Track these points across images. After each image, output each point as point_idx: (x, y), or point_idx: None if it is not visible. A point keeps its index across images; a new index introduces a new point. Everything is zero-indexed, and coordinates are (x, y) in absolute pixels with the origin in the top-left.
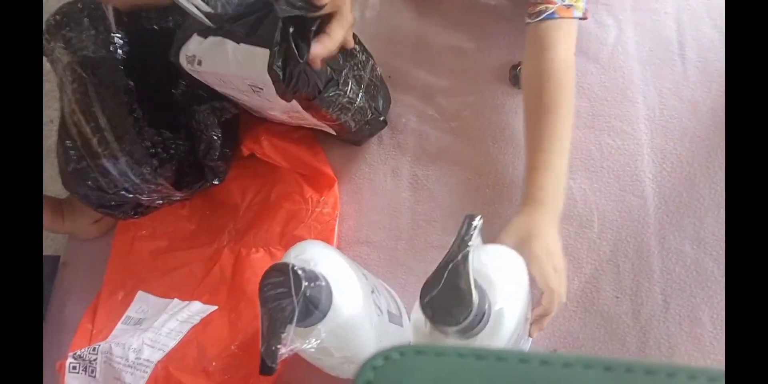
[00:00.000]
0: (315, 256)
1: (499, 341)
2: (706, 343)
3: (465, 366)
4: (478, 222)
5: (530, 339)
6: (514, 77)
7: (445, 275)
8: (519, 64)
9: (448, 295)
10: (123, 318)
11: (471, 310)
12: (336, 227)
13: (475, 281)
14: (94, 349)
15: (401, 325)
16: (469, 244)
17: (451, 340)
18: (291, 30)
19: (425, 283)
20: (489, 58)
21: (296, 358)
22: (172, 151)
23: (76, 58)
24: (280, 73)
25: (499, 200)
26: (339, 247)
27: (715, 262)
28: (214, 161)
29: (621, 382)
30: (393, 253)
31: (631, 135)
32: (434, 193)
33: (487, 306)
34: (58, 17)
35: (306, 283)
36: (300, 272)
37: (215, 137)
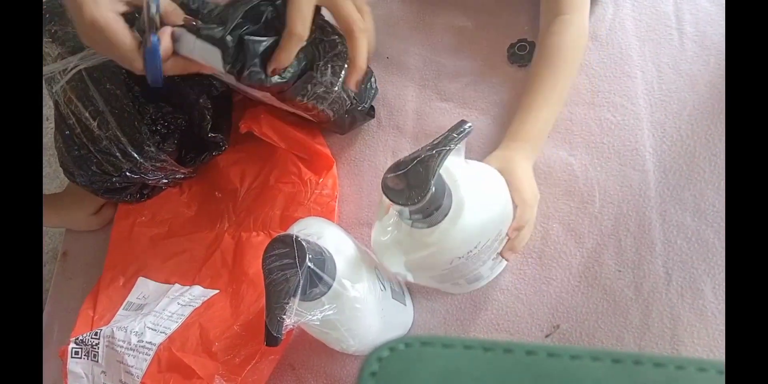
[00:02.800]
0: (318, 231)
1: (460, 235)
2: (708, 314)
3: (471, 357)
4: (468, 128)
5: (504, 262)
6: (512, 55)
7: (414, 162)
8: (518, 42)
9: (410, 178)
10: (124, 304)
11: (426, 191)
12: (336, 208)
13: (441, 176)
14: (96, 334)
15: (404, 304)
16: (449, 145)
17: (408, 229)
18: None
19: (394, 163)
20: (488, 37)
21: (299, 340)
22: (172, 126)
23: (66, 48)
24: (235, 73)
25: None
26: None
27: (716, 233)
28: (209, 134)
29: (629, 374)
30: None
31: (631, 110)
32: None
33: (446, 197)
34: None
35: (310, 255)
36: (304, 243)
37: (206, 110)
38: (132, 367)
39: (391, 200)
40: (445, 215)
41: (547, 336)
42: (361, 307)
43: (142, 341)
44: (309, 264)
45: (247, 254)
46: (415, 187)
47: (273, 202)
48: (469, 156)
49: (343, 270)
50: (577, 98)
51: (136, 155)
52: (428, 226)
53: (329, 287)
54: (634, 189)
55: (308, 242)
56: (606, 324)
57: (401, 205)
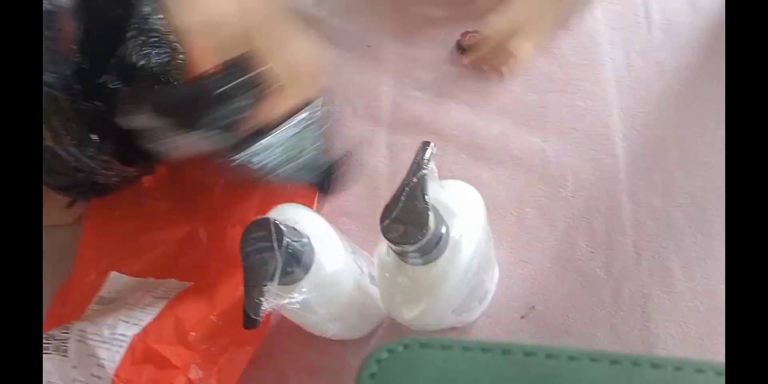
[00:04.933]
0: (295, 216)
1: (459, 266)
2: (677, 291)
3: (470, 359)
4: (432, 149)
5: (497, 267)
6: (459, 47)
7: (402, 198)
8: (467, 33)
9: (406, 216)
10: (96, 298)
11: (428, 229)
12: (315, 201)
13: (432, 205)
14: (66, 328)
15: None
16: (425, 169)
17: (412, 267)
18: None
19: (384, 208)
20: (462, 27)
21: (277, 329)
22: (108, 126)
23: None
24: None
25: (474, 161)
26: None
27: (684, 214)
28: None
29: (627, 375)
30: (372, 222)
31: (601, 97)
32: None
33: (444, 229)
34: None
35: (288, 239)
36: (282, 227)
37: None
38: (104, 359)
39: (398, 245)
40: (444, 249)
41: (522, 317)
42: (340, 290)
43: (115, 334)
44: (287, 247)
45: (223, 247)
46: (414, 222)
47: (251, 195)
48: (448, 149)
49: (321, 253)
50: (550, 86)
51: (79, 155)
52: (427, 263)
53: (307, 270)
54: (605, 173)
55: (286, 226)
56: (579, 303)
57: (410, 243)
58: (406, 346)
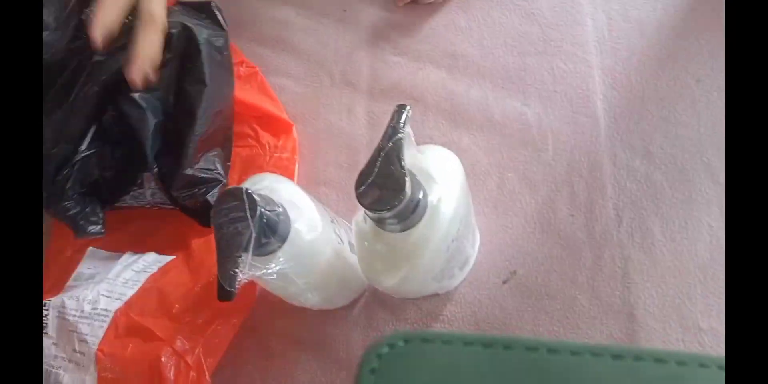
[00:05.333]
0: (271, 185)
1: (438, 232)
2: (657, 252)
3: (471, 354)
4: (408, 112)
5: (478, 233)
6: None
7: (378, 164)
8: None
9: (382, 182)
10: (74, 274)
11: (404, 194)
12: (296, 171)
13: (408, 169)
14: (44, 305)
15: None
16: (401, 132)
17: (390, 234)
18: None
19: (359, 174)
20: None
21: (261, 302)
22: None
23: None
24: None
25: (454, 126)
26: None
27: (664, 175)
28: None
29: (630, 370)
30: (353, 191)
31: (582, 58)
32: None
33: (422, 194)
34: None
35: (262, 208)
36: (255, 196)
37: None
38: (87, 335)
39: (374, 211)
40: (422, 214)
41: (504, 282)
42: (318, 259)
43: (97, 309)
44: (261, 217)
45: (199, 228)
46: (390, 187)
47: (230, 166)
48: (428, 114)
49: (297, 223)
50: (529, 48)
51: None
52: (406, 229)
53: (284, 240)
54: (585, 135)
55: (260, 195)
56: (560, 267)
57: (387, 209)
58: (406, 341)
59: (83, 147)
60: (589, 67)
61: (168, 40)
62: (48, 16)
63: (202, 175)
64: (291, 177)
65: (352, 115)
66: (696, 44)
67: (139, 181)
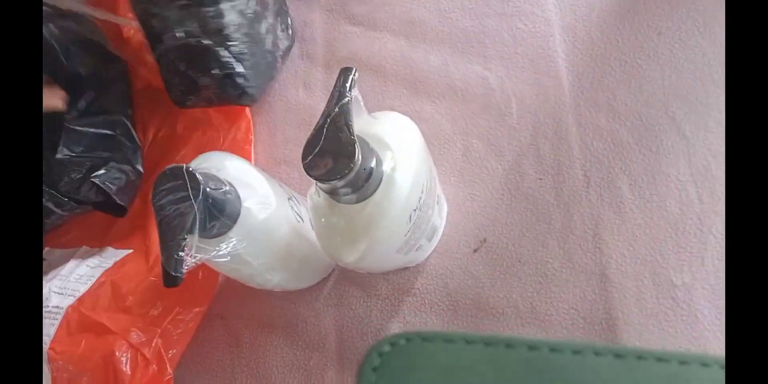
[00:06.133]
0: (218, 164)
1: (396, 202)
2: (627, 210)
3: (473, 353)
4: (354, 75)
5: (445, 202)
6: None
7: (325, 131)
8: None
9: (330, 150)
10: None
11: (355, 161)
12: (252, 152)
13: (360, 136)
14: None
15: None
16: (347, 96)
17: (345, 206)
18: None
19: (306, 143)
20: None
21: (225, 289)
22: None
23: None
24: None
25: (415, 95)
26: None
27: (629, 131)
28: None
29: (631, 369)
30: None
31: (541, 17)
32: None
33: (375, 163)
34: None
35: (206, 187)
36: (197, 175)
37: None
38: None
39: (324, 181)
40: (377, 184)
41: (475, 251)
42: (273, 237)
43: (48, 306)
44: (206, 196)
45: None
46: (340, 154)
47: (183, 151)
48: (388, 84)
49: (248, 201)
50: (488, 9)
51: None
52: (362, 201)
53: (234, 220)
54: (549, 96)
55: (204, 173)
56: (531, 232)
57: (338, 178)
58: (408, 340)
59: None
60: (549, 26)
61: None
62: None
63: (69, 156)
64: (247, 157)
65: (309, 88)
66: None
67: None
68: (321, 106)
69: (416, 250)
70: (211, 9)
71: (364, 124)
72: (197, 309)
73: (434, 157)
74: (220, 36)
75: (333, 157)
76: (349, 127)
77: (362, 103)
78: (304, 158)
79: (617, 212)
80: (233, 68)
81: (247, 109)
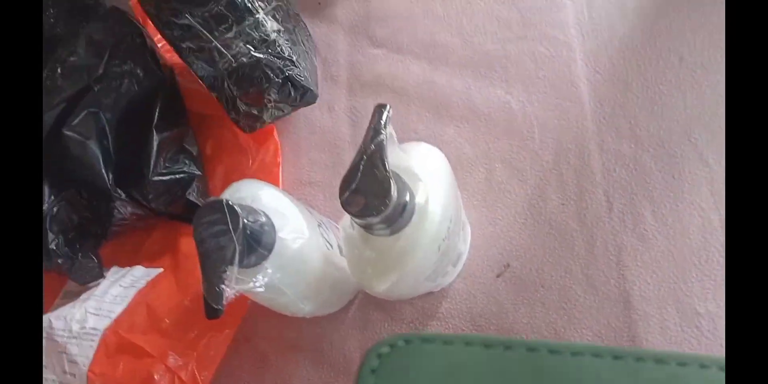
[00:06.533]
0: (251, 194)
1: (427, 234)
2: (650, 237)
3: (472, 354)
4: (389, 111)
5: (468, 227)
6: None
7: (361, 168)
8: None
9: (366, 187)
10: (61, 293)
11: (390, 198)
12: (280, 174)
13: (393, 171)
14: None
15: None
16: (382, 133)
17: (379, 239)
18: None
19: (343, 180)
20: None
21: (253, 311)
22: None
23: None
24: None
25: (438, 118)
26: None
27: (652, 158)
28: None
29: (630, 370)
30: (337, 190)
31: (563, 41)
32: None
33: (408, 197)
34: None
35: (245, 219)
36: (237, 208)
37: None
38: (76, 355)
39: (360, 218)
40: (410, 217)
41: (498, 276)
42: (307, 267)
43: (85, 328)
44: (244, 228)
45: (190, 230)
46: (376, 192)
47: (213, 173)
48: (411, 107)
49: (283, 231)
50: (510, 34)
51: None
52: (394, 233)
53: (270, 250)
54: (571, 121)
55: (242, 206)
56: (553, 257)
57: (373, 215)
58: (407, 341)
59: (46, 205)
60: (571, 50)
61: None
62: None
63: (172, 177)
64: (275, 180)
65: (334, 111)
66: (677, 22)
67: (114, 210)
68: (345, 129)
69: (442, 276)
70: (250, 21)
71: (395, 156)
72: (227, 331)
73: (457, 181)
74: (266, 44)
75: (369, 194)
76: (384, 164)
77: (395, 138)
78: (340, 195)
79: (640, 239)
80: (291, 69)
81: (275, 132)
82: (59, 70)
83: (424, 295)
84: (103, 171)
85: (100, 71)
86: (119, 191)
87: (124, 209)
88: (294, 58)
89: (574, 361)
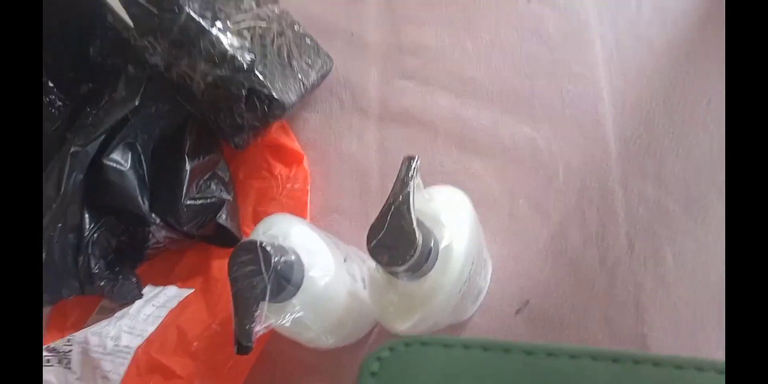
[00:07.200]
0: (283, 231)
1: (450, 277)
2: (670, 281)
3: (471, 357)
4: (417, 163)
5: (489, 264)
6: None
7: (389, 219)
8: None
9: (393, 237)
10: (97, 308)
11: (416, 249)
12: (308, 202)
13: (419, 220)
14: (68, 341)
15: None
16: (409, 185)
17: (403, 283)
18: None
19: (370, 229)
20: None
21: (277, 334)
22: None
23: None
24: None
25: (464, 152)
26: (310, 219)
27: (676, 201)
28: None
29: (629, 373)
30: (364, 218)
31: (591, 79)
32: (402, 155)
33: (432, 243)
34: None
35: (276, 259)
36: (269, 248)
37: None
38: (109, 371)
39: (387, 266)
40: (434, 263)
41: (517, 312)
42: (333, 304)
43: (119, 345)
44: (275, 268)
45: (220, 252)
46: (402, 242)
47: (244, 198)
48: (437, 141)
49: (311, 268)
50: (538, 69)
51: None
52: (418, 278)
53: (298, 287)
54: (596, 161)
55: (273, 246)
56: (573, 296)
57: (399, 264)
58: (407, 344)
59: (86, 232)
60: (598, 88)
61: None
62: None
63: (203, 202)
64: (303, 207)
65: (363, 141)
66: (706, 63)
67: (149, 234)
68: (373, 158)
69: (462, 312)
70: (204, 41)
71: (420, 202)
72: (251, 354)
73: (481, 216)
74: (226, 61)
75: (395, 244)
76: (411, 216)
77: (422, 186)
78: (368, 242)
79: (660, 283)
80: (253, 82)
81: (305, 159)
82: (102, 105)
83: (442, 329)
84: (140, 198)
85: (136, 103)
86: (154, 216)
87: (158, 233)
88: (258, 70)
89: (572, 363)
